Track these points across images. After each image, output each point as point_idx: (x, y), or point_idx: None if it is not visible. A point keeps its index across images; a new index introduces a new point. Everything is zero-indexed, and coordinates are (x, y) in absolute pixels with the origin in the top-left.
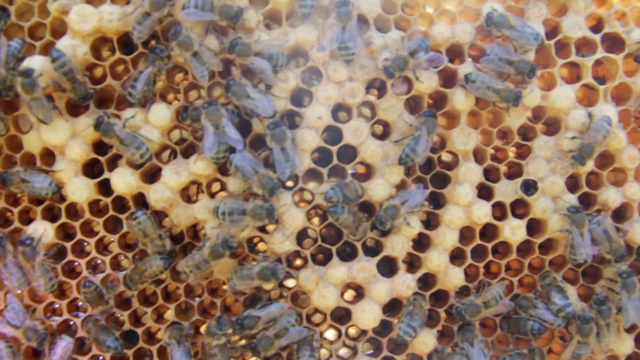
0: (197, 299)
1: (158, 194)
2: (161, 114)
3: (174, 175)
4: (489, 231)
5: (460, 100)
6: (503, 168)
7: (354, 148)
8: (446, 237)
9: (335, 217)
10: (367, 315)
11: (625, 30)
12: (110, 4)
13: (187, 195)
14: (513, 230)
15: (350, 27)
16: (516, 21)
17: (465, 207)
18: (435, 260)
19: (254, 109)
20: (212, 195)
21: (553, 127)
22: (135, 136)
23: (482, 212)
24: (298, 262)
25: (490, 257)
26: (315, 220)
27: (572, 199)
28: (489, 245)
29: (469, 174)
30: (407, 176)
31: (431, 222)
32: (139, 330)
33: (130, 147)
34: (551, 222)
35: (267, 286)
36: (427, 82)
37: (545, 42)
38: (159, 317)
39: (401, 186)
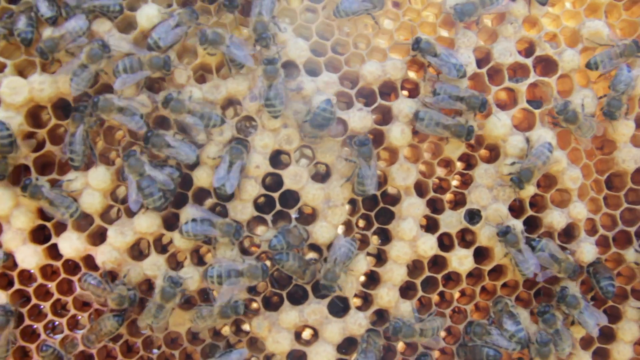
0: (156, 351)
1: (105, 256)
2: (100, 177)
3: (119, 235)
4: (439, 260)
5: (396, 136)
6: (449, 196)
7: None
8: (394, 273)
9: (281, 265)
10: (321, 357)
11: (557, 52)
12: (40, 73)
13: (138, 249)
14: (460, 261)
15: (276, 85)
16: (442, 50)
17: (410, 242)
18: (385, 296)
19: (176, 157)
20: (163, 249)
21: (495, 151)
22: (64, 196)
23: (428, 246)
24: (254, 305)
25: (441, 288)
26: (268, 263)
27: (517, 224)
28: (439, 276)
29: (412, 208)
30: (352, 215)
31: (381, 256)
32: None
33: (60, 207)
34: (497, 249)
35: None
36: (360, 122)
37: (466, 74)
38: None
39: (347, 226)
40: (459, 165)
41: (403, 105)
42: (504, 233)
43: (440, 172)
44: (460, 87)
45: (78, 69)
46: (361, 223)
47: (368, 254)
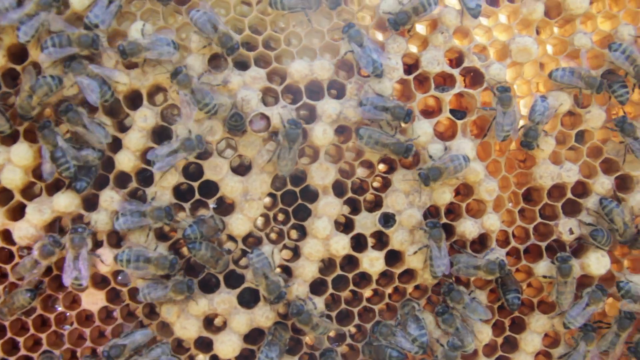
0: (68, 327)
1: (22, 232)
2: (22, 153)
3: (37, 212)
4: (354, 259)
5: (318, 136)
6: (369, 197)
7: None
8: (305, 269)
9: (194, 253)
10: (226, 346)
11: (484, 65)
12: None
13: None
14: (371, 262)
15: (195, 88)
16: (369, 44)
17: (323, 240)
18: (294, 291)
19: (88, 139)
20: None
21: (417, 157)
22: None
23: (340, 245)
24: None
25: (351, 287)
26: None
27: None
28: (350, 275)
29: (328, 207)
30: (270, 209)
31: (297, 250)
32: (13, 359)
33: None
34: (408, 254)
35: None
36: (278, 120)
37: (382, 74)
38: (36, 344)
39: (265, 220)
40: (381, 167)
41: (327, 106)
42: (433, 225)
43: (361, 172)
44: (385, 97)
45: (26, 17)
46: (281, 216)
47: (286, 247)
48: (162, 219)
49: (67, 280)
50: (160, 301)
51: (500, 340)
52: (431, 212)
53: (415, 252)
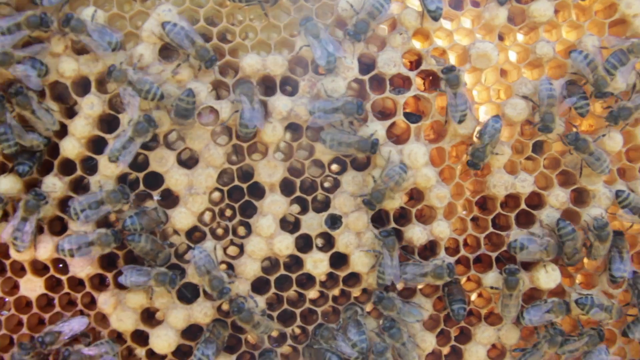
0: (5, 313)
1: None
2: None
3: None
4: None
5: (267, 133)
6: (320, 197)
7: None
8: (247, 267)
9: (133, 245)
10: (162, 341)
11: (441, 69)
12: None
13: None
14: (315, 264)
15: (138, 81)
16: (325, 36)
17: (267, 239)
18: (235, 289)
19: (34, 124)
20: None
21: (370, 158)
22: None
23: (284, 245)
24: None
25: (295, 287)
26: None
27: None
28: (294, 276)
29: (273, 205)
30: (216, 205)
31: (243, 248)
32: None
33: None
34: (353, 257)
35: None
36: (231, 113)
37: (333, 69)
38: None
39: (213, 215)
40: (334, 167)
41: (278, 103)
42: (387, 234)
43: (313, 172)
44: (331, 98)
45: None
46: (229, 212)
47: (233, 243)
48: (119, 201)
49: (6, 234)
50: (137, 287)
51: (446, 349)
52: (381, 216)
53: (364, 252)
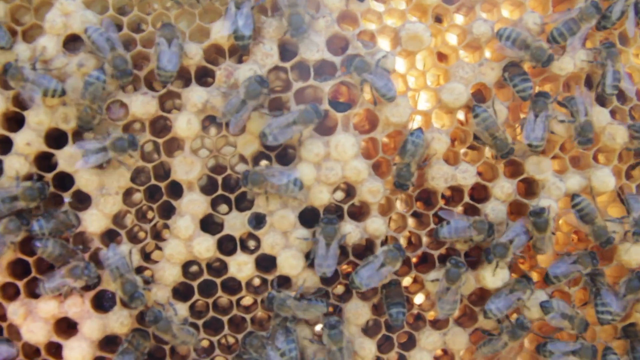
0: None
1: None
2: None
3: None
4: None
5: (181, 127)
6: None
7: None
8: (166, 272)
9: (41, 251)
10: (76, 354)
11: (370, 52)
12: None
13: None
14: (239, 267)
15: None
16: (247, 9)
17: (186, 241)
18: (153, 296)
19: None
20: None
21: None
22: None
23: (204, 247)
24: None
25: (219, 293)
26: None
27: (303, 233)
28: (218, 281)
29: (192, 205)
30: (136, 206)
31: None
32: None
33: None
34: (280, 258)
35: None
36: (142, 107)
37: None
38: None
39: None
40: (263, 163)
41: (192, 94)
42: (328, 222)
43: (241, 168)
44: (285, 114)
45: None
46: (151, 214)
47: (158, 247)
48: (35, 199)
49: None
50: (57, 292)
51: (393, 356)
52: (315, 214)
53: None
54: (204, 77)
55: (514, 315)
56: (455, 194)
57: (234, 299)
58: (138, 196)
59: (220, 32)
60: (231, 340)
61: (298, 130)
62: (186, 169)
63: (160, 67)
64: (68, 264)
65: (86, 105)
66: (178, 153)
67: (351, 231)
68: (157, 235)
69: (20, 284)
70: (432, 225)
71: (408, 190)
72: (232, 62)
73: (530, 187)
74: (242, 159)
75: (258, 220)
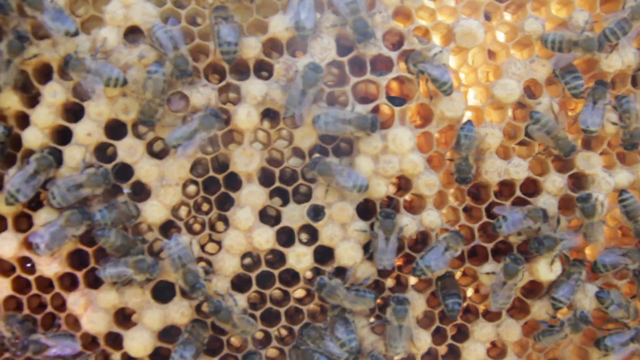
0: None
1: None
2: None
3: None
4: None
5: (241, 119)
6: (303, 189)
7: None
8: (226, 263)
9: (103, 241)
10: (137, 344)
11: (425, 48)
12: None
13: None
14: (298, 258)
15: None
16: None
17: (246, 232)
18: (213, 287)
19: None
20: None
21: (351, 145)
22: None
23: (263, 238)
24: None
25: (277, 284)
26: None
27: (362, 225)
28: (276, 272)
29: (251, 197)
30: (192, 198)
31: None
32: None
33: None
34: (339, 250)
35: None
36: (202, 99)
37: (303, 30)
38: None
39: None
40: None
41: (252, 87)
42: (386, 215)
43: (293, 162)
44: (345, 111)
45: None
46: (206, 206)
47: (212, 239)
48: (100, 184)
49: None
50: (117, 279)
51: (443, 349)
52: (368, 208)
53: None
54: (258, 71)
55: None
56: (503, 188)
57: (291, 290)
58: (192, 188)
59: (281, 25)
60: (284, 332)
61: (347, 130)
62: (246, 160)
63: (222, 40)
64: (134, 256)
65: (148, 99)
66: (232, 146)
67: (408, 223)
68: (212, 228)
69: (80, 274)
70: (485, 219)
71: (470, 183)
72: (289, 56)
73: (578, 182)
74: (297, 152)
75: (316, 212)
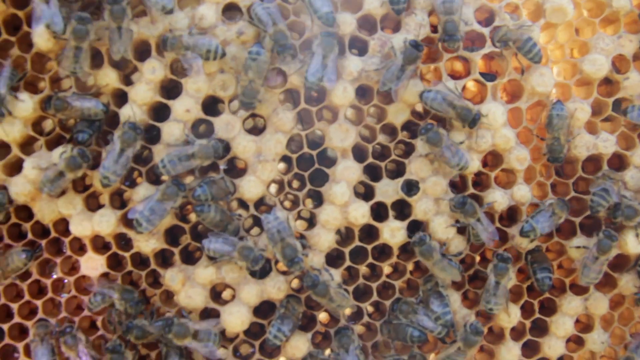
0: (65, 295)
1: (19, 187)
2: (23, 104)
3: (35, 168)
4: (374, 231)
5: (337, 95)
6: (390, 165)
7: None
8: (321, 238)
9: (203, 217)
10: (235, 319)
11: (516, 24)
12: None
13: None
14: (392, 232)
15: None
16: None
17: (341, 207)
18: (309, 262)
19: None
20: (84, 189)
21: (442, 122)
22: None
23: (359, 213)
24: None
25: (370, 259)
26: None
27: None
28: (369, 247)
29: (347, 172)
30: (285, 174)
31: (313, 220)
32: (6, 326)
33: None
34: (433, 224)
35: None
36: (299, 76)
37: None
38: (31, 312)
39: (279, 187)
40: (404, 133)
41: (348, 63)
42: (461, 203)
43: (383, 138)
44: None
45: None
46: (296, 184)
47: (300, 216)
48: (210, 157)
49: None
50: (220, 256)
51: (528, 323)
52: (456, 183)
53: (447, 227)
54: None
55: None
56: (587, 164)
57: (383, 265)
58: (281, 165)
59: (376, 1)
60: (370, 309)
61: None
62: (341, 136)
63: (317, 11)
64: (242, 241)
65: (250, 79)
66: (322, 124)
67: (499, 199)
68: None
69: (176, 250)
70: (573, 194)
71: (562, 163)
72: (384, 33)
73: None
74: (385, 129)
75: (409, 187)
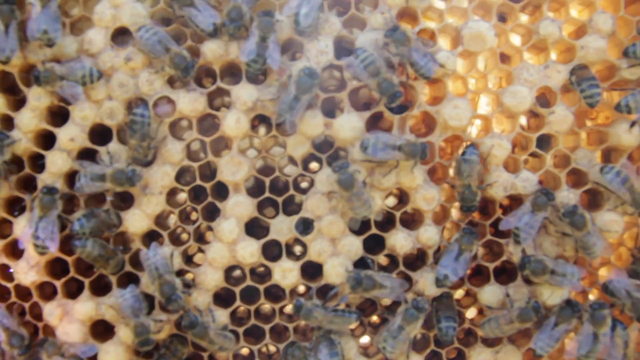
0: None
1: None
2: None
3: None
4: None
5: (230, 125)
6: (298, 198)
7: None
8: (208, 277)
9: (79, 251)
10: (110, 358)
11: (432, 51)
12: None
13: None
14: (284, 274)
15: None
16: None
17: (230, 245)
18: (193, 301)
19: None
20: None
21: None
22: None
23: (248, 252)
24: None
25: (262, 301)
26: None
27: (354, 243)
28: (262, 287)
29: (237, 208)
30: (180, 207)
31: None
32: None
33: None
34: (327, 266)
35: None
36: (190, 104)
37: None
38: None
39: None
40: (313, 166)
41: (242, 92)
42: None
43: (289, 170)
44: (394, 137)
45: None
46: (195, 215)
47: (201, 250)
48: (122, 184)
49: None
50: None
51: None
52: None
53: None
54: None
55: None
56: (514, 203)
57: (277, 306)
58: (182, 196)
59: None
60: (272, 349)
61: (395, 157)
62: (233, 169)
63: (199, 26)
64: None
65: (136, 144)
66: (225, 153)
67: (402, 242)
68: (201, 238)
69: (58, 283)
70: (489, 236)
71: (476, 211)
72: (285, 59)
73: (594, 199)
74: (292, 160)
75: (306, 226)
